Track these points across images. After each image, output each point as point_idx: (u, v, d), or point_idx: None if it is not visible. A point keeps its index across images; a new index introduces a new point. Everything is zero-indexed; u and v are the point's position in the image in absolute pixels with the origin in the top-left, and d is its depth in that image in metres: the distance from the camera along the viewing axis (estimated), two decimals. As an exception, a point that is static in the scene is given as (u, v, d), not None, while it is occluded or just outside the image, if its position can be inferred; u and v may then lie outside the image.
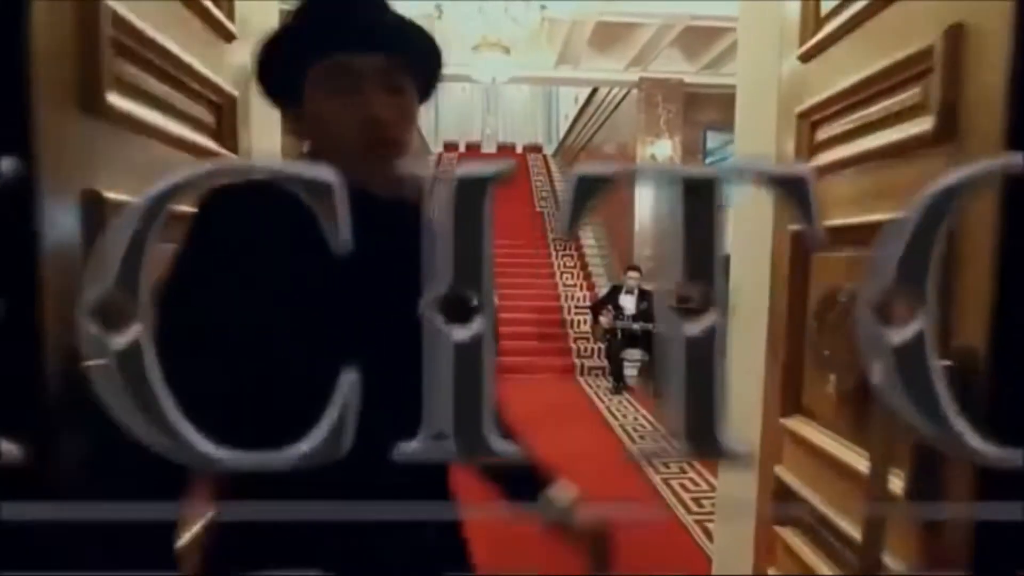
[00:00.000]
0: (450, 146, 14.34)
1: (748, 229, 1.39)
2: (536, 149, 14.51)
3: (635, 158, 7.15)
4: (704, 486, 3.37)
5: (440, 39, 0.77)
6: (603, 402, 5.45)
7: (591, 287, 8.17)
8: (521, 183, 12.06)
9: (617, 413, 5.08)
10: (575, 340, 7.11)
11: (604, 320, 5.87)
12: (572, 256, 8.95)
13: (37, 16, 0.63)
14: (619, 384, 5.77)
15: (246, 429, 0.42)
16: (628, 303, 5.88)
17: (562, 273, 8.53)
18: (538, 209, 10.77)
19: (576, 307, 7.68)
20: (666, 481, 3.47)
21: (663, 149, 7.00)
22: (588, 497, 0.85)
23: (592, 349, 6.84)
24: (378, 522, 0.64)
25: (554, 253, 9.00)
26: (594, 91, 9.55)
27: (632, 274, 5.91)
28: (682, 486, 3.40)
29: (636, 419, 4.91)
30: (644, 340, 5.65)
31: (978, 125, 0.76)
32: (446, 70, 0.79)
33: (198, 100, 1.06)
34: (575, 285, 8.25)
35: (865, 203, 0.98)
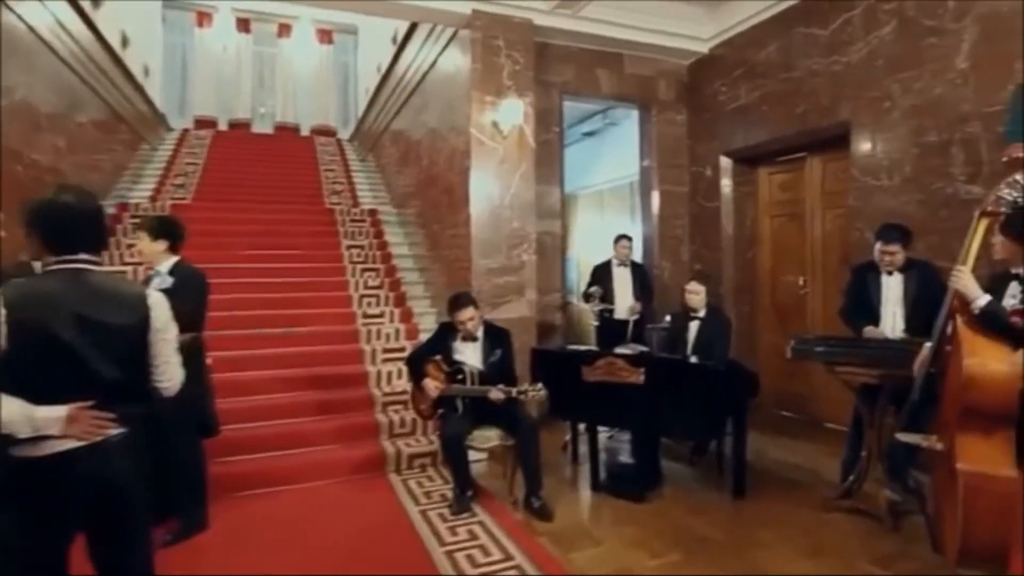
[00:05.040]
0: (204, 122, 11.12)
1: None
2: (328, 132, 11.75)
3: (467, 129, 4.86)
4: None
5: None
6: (442, 540, 3.01)
7: (407, 317, 5.66)
8: (307, 174, 9.23)
9: (474, 568, 2.68)
10: (385, 407, 4.55)
11: (431, 383, 3.44)
12: (377, 271, 6.35)
13: None
14: (465, 494, 3.38)
15: None
16: (469, 354, 3.52)
17: (362, 297, 5.87)
18: (328, 206, 7.98)
19: (385, 351, 5.11)
20: None
21: (511, 113, 4.79)
22: None
23: (414, 422, 4.35)
24: None
25: (350, 268, 6.31)
26: (403, 44, 7.06)
27: (465, 313, 3.52)
28: None
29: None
30: (503, 413, 3.34)
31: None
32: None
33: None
34: (381, 316, 5.66)
35: None
